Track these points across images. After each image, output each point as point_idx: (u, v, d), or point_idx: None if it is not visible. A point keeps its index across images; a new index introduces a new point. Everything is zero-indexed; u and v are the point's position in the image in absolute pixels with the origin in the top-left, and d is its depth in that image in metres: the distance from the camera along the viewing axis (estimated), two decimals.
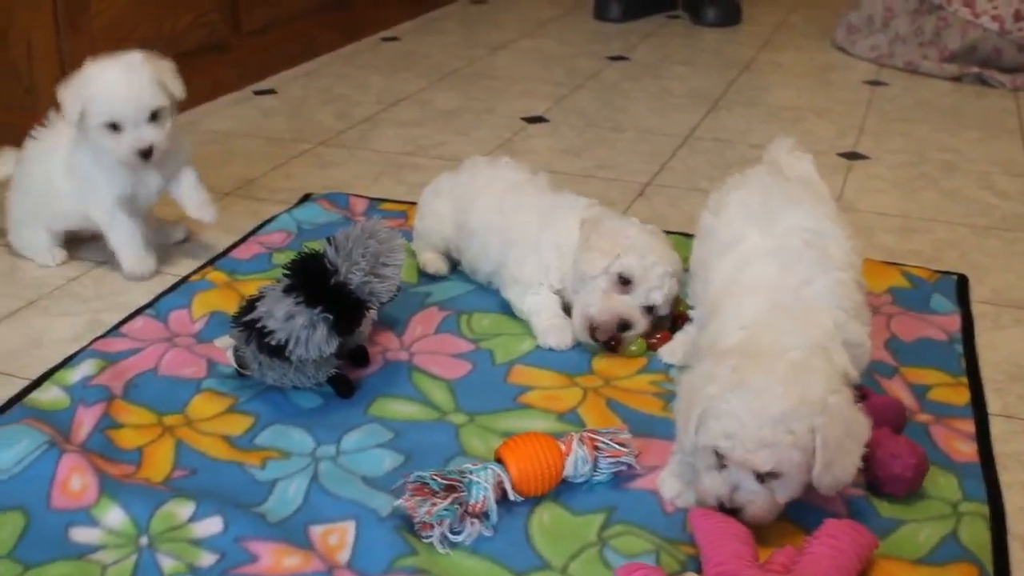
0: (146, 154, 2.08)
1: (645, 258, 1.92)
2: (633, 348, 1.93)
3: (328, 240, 1.78)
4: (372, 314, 1.84)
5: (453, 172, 2.28)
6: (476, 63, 4.01)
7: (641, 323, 1.92)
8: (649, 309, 1.94)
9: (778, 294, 1.55)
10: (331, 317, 1.69)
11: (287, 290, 1.71)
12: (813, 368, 1.44)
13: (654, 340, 1.95)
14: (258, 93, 3.57)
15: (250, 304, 1.74)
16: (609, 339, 1.92)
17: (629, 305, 1.92)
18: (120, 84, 2.04)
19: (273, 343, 1.67)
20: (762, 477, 1.41)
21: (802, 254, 1.59)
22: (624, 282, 1.92)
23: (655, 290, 1.92)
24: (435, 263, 2.22)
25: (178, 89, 2.13)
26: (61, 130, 2.19)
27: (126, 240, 2.18)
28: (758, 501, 1.42)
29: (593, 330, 1.92)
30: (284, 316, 1.67)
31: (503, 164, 2.23)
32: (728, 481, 1.42)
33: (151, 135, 2.07)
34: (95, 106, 2.04)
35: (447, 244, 2.22)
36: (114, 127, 2.06)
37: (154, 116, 2.08)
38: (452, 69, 3.91)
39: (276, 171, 2.84)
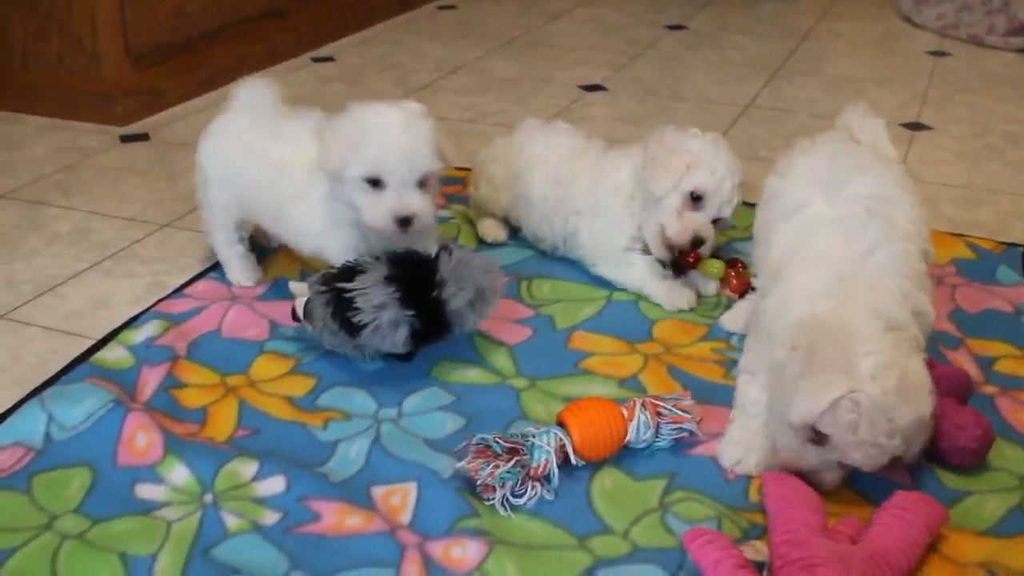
0: (405, 223, 1.74)
1: (715, 172, 1.92)
2: (713, 270, 1.95)
3: (444, 250, 1.74)
4: None
5: (508, 136, 2.27)
6: (533, 32, 3.99)
7: (712, 237, 1.94)
8: (715, 221, 1.95)
9: (843, 265, 1.53)
10: (418, 325, 1.68)
11: (389, 279, 1.67)
12: (920, 365, 1.44)
13: (732, 276, 1.97)
14: (316, 60, 3.58)
15: (347, 271, 1.71)
16: (687, 257, 1.94)
17: (702, 221, 1.93)
18: (396, 135, 1.72)
19: (354, 320, 1.66)
20: None
21: (866, 223, 1.57)
22: (696, 199, 1.92)
23: (726, 204, 1.93)
24: (493, 231, 2.21)
25: (453, 156, 1.82)
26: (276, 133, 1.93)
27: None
28: (837, 480, 1.45)
29: (671, 247, 1.94)
30: (377, 303, 1.65)
31: (558, 129, 2.22)
32: (822, 459, 1.43)
33: (415, 202, 1.73)
34: (361, 153, 1.72)
35: (505, 210, 2.21)
36: (375, 184, 1.74)
37: (422, 183, 1.75)
38: (509, 38, 3.90)
39: None
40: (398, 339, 1.66)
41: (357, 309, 1.65)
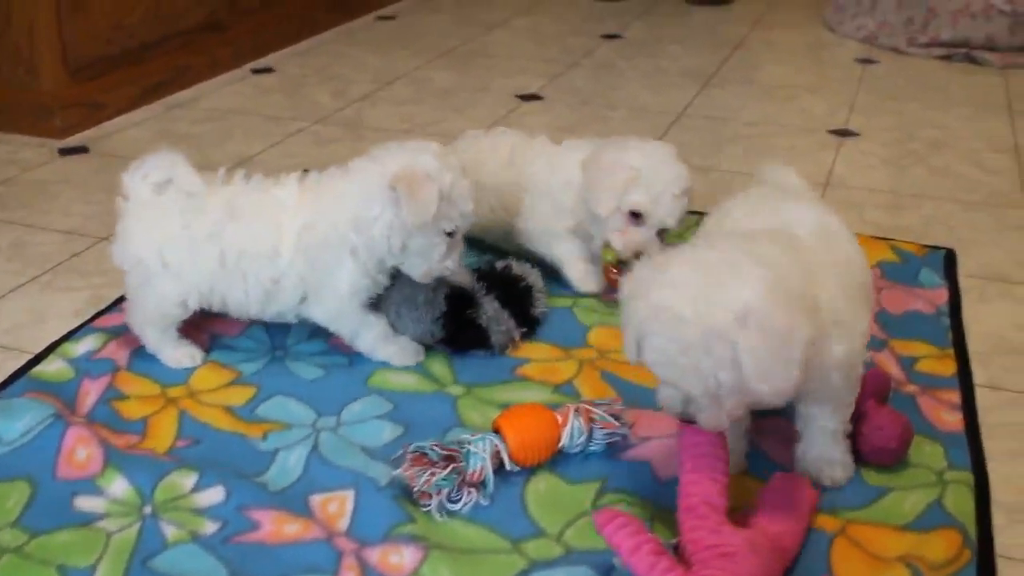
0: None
1: (652, 188, 1.93)
2: (609, 257, 2.02)
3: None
4: None
5: (448, 145, 2.29)
6: (471, 42, 4.03)
7: (655, 248, 1.92)
8: (661, 231, 1.97)
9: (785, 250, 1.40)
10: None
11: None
12: (739, 271, 1.29)
13: (611, 270, 2.04)
14: (256, 72, 3.59)
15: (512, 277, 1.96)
16: (610, 276, 2.02)
17: (644, 237, 1.95)
18: None
19: (535, 312, 1.93)
20: None
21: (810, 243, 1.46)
22: (635, 215, 1.95)
23: (668, 216, 1.95)
24: None
25: None
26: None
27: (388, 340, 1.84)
28: (706, 411, 1.34)
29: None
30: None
31: (501, 132, 2.27)
32: (678, 396, 1.35)
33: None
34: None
35: None
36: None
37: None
38: (448, 48, 3.93)
39: (274, 148, 2.87)
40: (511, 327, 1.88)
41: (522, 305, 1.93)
